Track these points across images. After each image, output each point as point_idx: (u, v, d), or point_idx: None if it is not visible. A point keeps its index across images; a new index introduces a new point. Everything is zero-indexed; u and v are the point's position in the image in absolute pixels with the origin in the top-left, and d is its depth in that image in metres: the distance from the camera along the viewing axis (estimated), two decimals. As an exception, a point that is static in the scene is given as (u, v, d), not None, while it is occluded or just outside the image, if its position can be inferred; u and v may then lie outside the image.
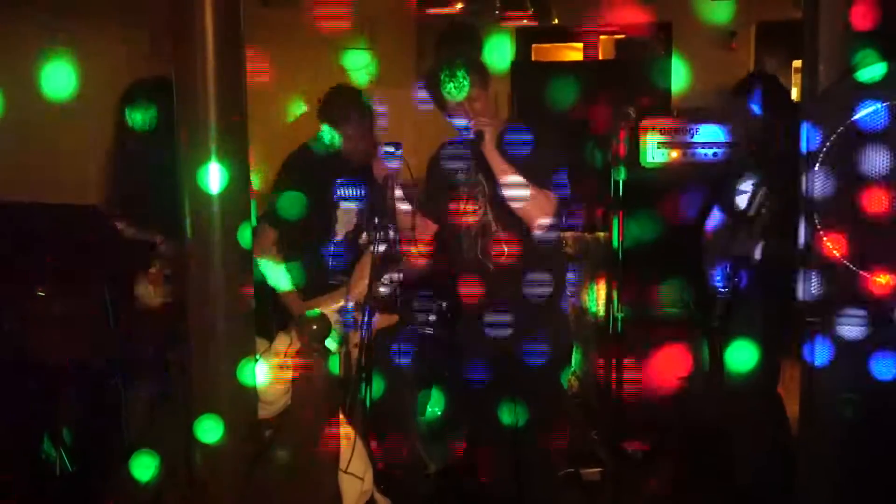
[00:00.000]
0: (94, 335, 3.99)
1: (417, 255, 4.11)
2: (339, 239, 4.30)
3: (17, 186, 5.11)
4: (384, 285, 3.99)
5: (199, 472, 2.85)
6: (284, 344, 3.23)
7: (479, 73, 3.74)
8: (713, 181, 4.74)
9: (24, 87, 5.28)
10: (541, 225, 3.69)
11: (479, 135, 3.62)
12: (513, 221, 3.73)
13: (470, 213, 3.83)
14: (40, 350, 4.35)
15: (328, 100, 4.30)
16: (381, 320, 3.88)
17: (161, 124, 3.93)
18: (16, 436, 4.34)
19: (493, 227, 3.79)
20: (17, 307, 4.40)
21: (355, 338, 3.76)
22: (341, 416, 3.30)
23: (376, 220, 3.78)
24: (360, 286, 4.06)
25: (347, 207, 4.30)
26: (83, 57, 5.50)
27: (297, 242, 4.22)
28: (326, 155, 4.27)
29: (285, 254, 4.21)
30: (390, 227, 3.77)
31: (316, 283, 4.21)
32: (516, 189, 3.63)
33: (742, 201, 4.23)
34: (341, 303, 4.03)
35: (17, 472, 4.09)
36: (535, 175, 3.66)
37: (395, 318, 4.06)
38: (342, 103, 4.28)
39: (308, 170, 4.21)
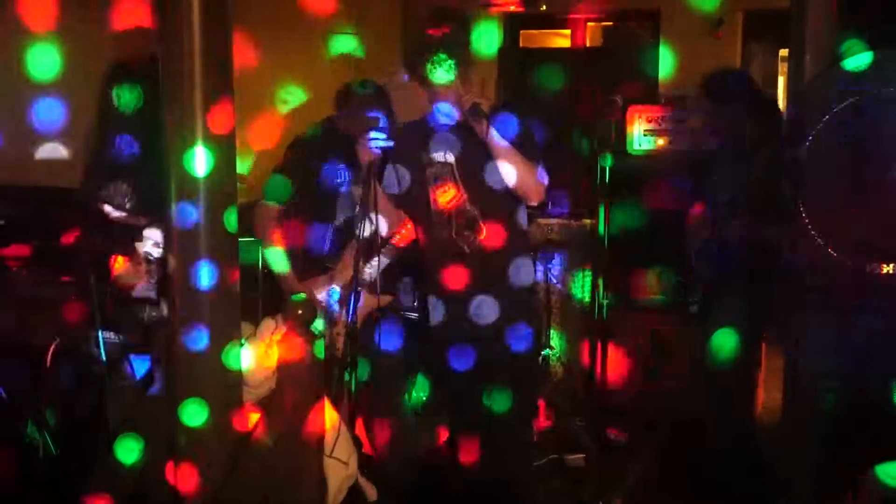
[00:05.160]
0: (78, 319, 3.98)
1: (402, 236, 4.10)
2: (338, 223, 4.30)
3: (1, 169, 5.09)
4: (367, 273, 4.00)
5: (184, 456, 2.84)
6: (270, 328, 3.23)
7: (465, 55, 3.74)
8: (696, 169, 4.75)
9: (6, 69, 5.26)
10: (538, 198, 3.72)
11: (477, 107, 3.61)
12: (488, 202, 3.75)
13: (441, 196, 3.83)
14: (24, 333, 4.33)
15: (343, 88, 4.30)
16: (367, 302, 3.89)
17: (147, 105, 3.91)
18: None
19: (468, 207, 3.80)
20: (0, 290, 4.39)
21: (340, 323, 3.77)
22: (326, 401, 3.31)
23: (357, 207, 3.79)
24: (347, 272, 4.07)
25: (348, 193, 4.30)
26: (66, 38, 5.47)
27: (298, 225, 4.23)
28: (331, 140, 4.26)
29: (285, 235, 4.22)
30: (372, 213, 3.76)
31: (313, 267, 4.21)
32: (513, 161, 3.64)
33: (724, 189, 4.25)
34: (331, 286, 4.04)
35: (1, 455, 4.08)
36: (527, 154, 3.68)
37: (378, 300, 4.08)
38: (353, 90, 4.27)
39: (313, 153, 4.21)
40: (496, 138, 3.64)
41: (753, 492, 3.87)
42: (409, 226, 4.04)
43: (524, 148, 3.70)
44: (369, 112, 3.98)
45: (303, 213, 4.20)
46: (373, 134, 3.79)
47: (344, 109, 4.27)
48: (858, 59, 2.91)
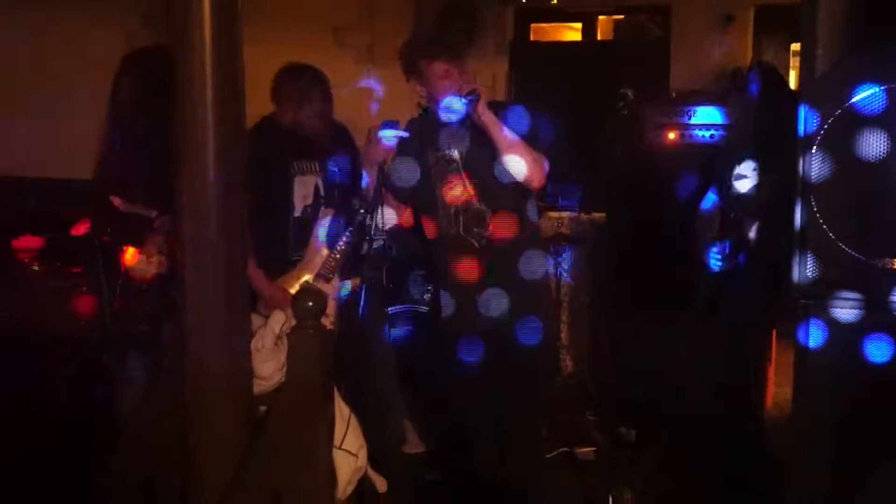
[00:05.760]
0: (88, 310, 3.99)
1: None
2: (297, 214, 4.28)
3: (12, 162, 5.11)
4: (334, 257, 4.02)
5: (193, 449, 2.85)
6: (280, 320, 3.23)
7: (460, 46, 3.76)
8: (709, 163, 4.74)
9: (19, 62, 5.27)
10: (540, 183, 3.72)
11: (474, 95, 3.61)
12: (497, 197, 3.75)
13: (448, 191, 3.83)
14: (35, 324, 4.35)
15: (283, 79, 4.28)
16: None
17: (159, 97, 3.90)
18: (8, 411, 4.35)
19: (475, 203, 3.80)
20: (12, 281, 4.41)
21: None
22: (336, 393, 3.31)
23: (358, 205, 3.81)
24: (316, 259, 4.09)
25: (304, 182, 4.28)
26: (77, 30, 5.49)
27: (257, 218, 4.19)
28: (282, 129, 4.25)
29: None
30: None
31: (278, 260, 4.19)
32: (511, 144, 3.64)
33: (740, 185, 4.23)
34: (306, 278, 4.05)
35: (8, 448, 4.10)
36: (530, 142, 3.69)
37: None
38: (299, 82, 4.25)
39: (266, 143, 4.16)
40: (490, 118, 3.63)
41: (763, 487, 3.87)
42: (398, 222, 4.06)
43: (528, 137, 3.70)
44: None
45: (262, 205, 4.11)
46: (385, 132, 3.77)
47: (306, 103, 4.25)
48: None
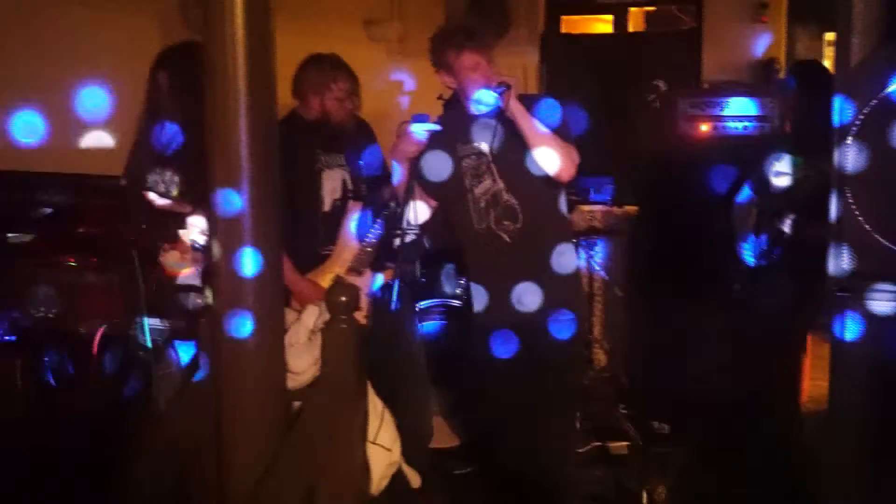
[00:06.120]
0: (124, 306, 4.02)
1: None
2: (327, 208, 4.27)
3: (48, 158, 5.15)
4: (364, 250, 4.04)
5: (228, 443, 2.86)
6: (313, 315, 3.23)
7: (489, 37, 3.76)
8: (744, 157, 4.70)
9: (53, 58, 5.31)
10: (570, 176, 3.70)
11: (504, 86, 3.60)
12: (528, 191, 3.74)
13: (479, 184, 3.82)
14: (71, 320, 4.39)
15: (304, 70, 4.29)
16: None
17: (193, 92, 3.92)
18: (45, 406, 4.39)
19: (505, 197, 3.79)
20: (49, 277, 4.45)
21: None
22: (369, 387, 3.32)
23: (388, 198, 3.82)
24: (346, 253, 4.09)
25: (332, 176, 4.28)
26: (113, 27, 5.51)
27: (287, 213, 4.19)
28: (308, 122, 4.25)
29: None
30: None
31: (308, 254, 4.18)
32: (541, 137, 3.63)
33: (778, 181, 4.20)
34: (336, 272, 4.05)
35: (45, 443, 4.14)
36: (558, 129, 3.67)
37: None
38: (320, 68, 4.25)
39: (292, 138, 4.14)
40: (520, 111, 3.62)
41: (797, 482, 3.85)
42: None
43: (559, 130, 3.68)
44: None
45: (291, 199, 4.09)
46: (416, 126, 3.74)
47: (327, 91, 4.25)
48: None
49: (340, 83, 4.21)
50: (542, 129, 3.63)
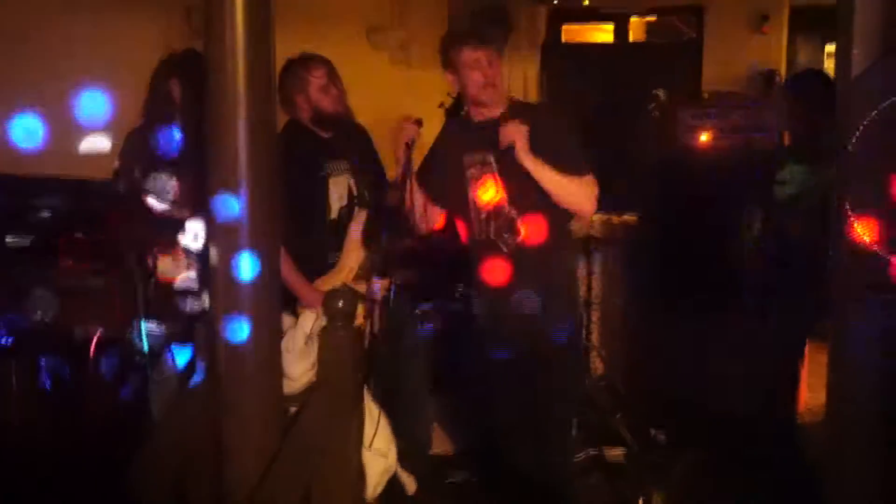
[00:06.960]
0: (121, 310, 4.02)
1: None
2: (334, 216, 4.25)
3: (47, 162, 5.16)
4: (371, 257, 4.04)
5: (225, 447, 2.86)
6: (310, 320, 3.23)
7: (489, 35, 3.79)
8: (747, 167, 4.71)
9: (53, 64, 5.31)
10: (591, 211, 3.74)
11: (512, 106, 3.63)
12: (530, 200, 3.74)
13: (481, 194, 3.83)
14: (68, 323, 4.39)
15: (281, 77, 4.23)
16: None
17: (193, 99, 3.92)
18: (44, 410, 4.39)
19: (507, 210, 3.79)
20: (46, 281, 4.45)
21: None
22: (366, 393, 3.31)
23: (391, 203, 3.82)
24: (352, 260, 4.08)
25: (338, 182, 4.26)
26: (116, 34, 5.52)
27: (295, 222, 4.17)
28: (308, 130, 4.22)
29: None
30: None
31: (317, 263, 4.15)
32: (558, 182, 3.65)
33: (781, 190, 4.20)
34: (342, 278, 4.04)
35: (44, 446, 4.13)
36: (572, 163, 3.68)
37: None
38: (294, 68, 4.20)
39: (297, 146, 4.09)
40: (533, 164, 3.64)
41: (797, 491, 3.84)
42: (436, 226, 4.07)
43: (565, 159, 3.69)
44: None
45: (297, 207, 3.96)
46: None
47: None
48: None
49: (315, 70, 4.14)
50: (557, 176, 3.65)
